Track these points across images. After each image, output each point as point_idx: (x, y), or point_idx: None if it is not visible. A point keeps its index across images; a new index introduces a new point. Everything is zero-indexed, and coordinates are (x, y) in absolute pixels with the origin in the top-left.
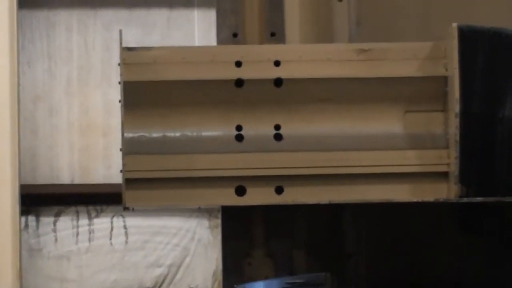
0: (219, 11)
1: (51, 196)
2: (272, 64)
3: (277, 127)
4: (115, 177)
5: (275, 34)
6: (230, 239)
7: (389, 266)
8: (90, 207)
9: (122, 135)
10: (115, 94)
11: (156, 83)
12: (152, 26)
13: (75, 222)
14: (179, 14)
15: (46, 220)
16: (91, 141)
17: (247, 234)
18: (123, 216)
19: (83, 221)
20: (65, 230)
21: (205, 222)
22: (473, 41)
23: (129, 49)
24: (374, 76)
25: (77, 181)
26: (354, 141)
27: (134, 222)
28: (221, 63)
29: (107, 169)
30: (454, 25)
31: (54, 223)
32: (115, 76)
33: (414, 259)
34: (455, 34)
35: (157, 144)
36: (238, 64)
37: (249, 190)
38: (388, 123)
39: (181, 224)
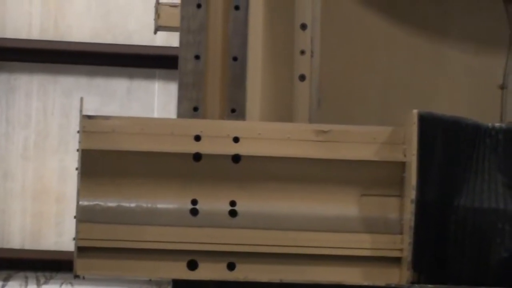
0: (181, 84)
1: (1, 260)
2: (231, 140)
3: (233, 203)
4: (67, 244)
5: (235, 110)
6: None
7: None
8: (39, 273)
9: (77, 202)
10: (71, 161)
11: (114, 152)
12: (111, 95)
13: None
14: (139, 85)
15: None
16: (44, 207)
17: None
18: (72, 284)
19: (32, 287)
20: None
21: None
22: (432, 129)
23: (89, 117)
24: (332, 157)
25: (28, 246)
26: (309, 221)
27: None
28: (180, 136)
29: (59, 236)
30: (415, 111)
31: None
32: (72, 143)
33: None
34: (415, 120)
35: (112, 214)
36: (197, 138)
37: (201, 265)
38: (343, 205)
39: None
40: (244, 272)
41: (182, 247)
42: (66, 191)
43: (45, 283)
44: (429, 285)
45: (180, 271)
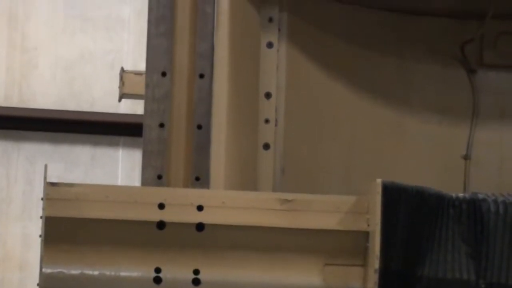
0: (145, 152)
1: None
2: (195, 208)
3: (196, 271)
4: None
5: (199, 179)
6: None
7: None
8: None
9: (40, 270)
10: (35, 228)
11: (77, 220)
12: (75, 162)
13: None
14: (103, 153)
15: None
16: (7, 274)
17: None
18: None
19: None
20: None
21: None
22: (396, 198)
23: (53, 184)
24: (296, 226)
25: None
26: None
27: None
28: (144, 204)
29: None
30: (379, 181)
31: None
32: (35, 209)
33: None
34: (379, 190)
35: (75, 282)
36: (161, 206)
37: None
38: (307, 274)
39: None
40: None
41: None
42: (29, 258)
43: None
44: None
45: None
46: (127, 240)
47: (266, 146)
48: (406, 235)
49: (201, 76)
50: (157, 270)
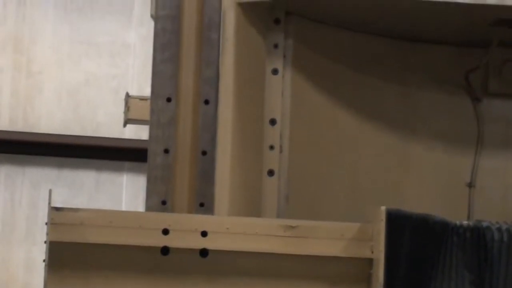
0: (150, 178)
1: None
2: (199, 234)
3: None
4: None
5: (204, 205)
6: None
7: None
8: None
9: None
10: (38, 252)
11: (81, 244)
12: (80, 187)
13: None
14: (108, 178)
15: None
16: None
17: None
18: None
19: None
20: None
21: None
22: (400, 226)
23: (57, 209)
24: (300, 253)
25: None
26: None
27: None
28: (148, 229)
29: None
30: (383, 208)
31: None
32: (39, 234)
33: None
34: (383, 217)
35: None
36: (165, 232)
37: None
38: None
39: None
40: None
41: None
42: (32, 282)
43: None
44: None
45: None
46: (131, 265)
47: (271, 173)
48: (410, 262)
49: (206, 102)
50: None
